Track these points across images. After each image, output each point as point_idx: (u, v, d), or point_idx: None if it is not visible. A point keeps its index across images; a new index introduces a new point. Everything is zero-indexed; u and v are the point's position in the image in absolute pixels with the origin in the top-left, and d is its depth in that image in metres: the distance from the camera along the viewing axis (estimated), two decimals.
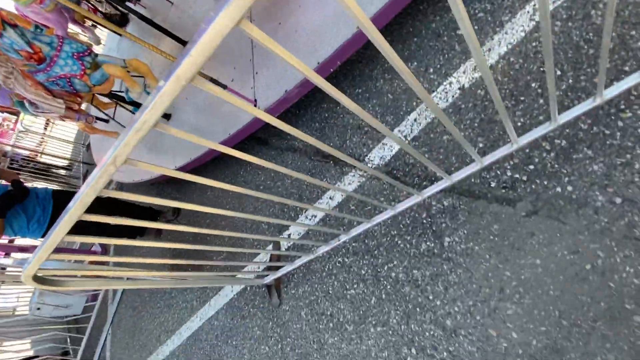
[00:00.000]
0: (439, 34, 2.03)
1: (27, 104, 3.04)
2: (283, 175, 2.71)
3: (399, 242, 1.84)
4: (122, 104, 3.61)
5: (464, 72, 1.86)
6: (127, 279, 1.53)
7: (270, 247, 2.54)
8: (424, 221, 1.78)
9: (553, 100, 1.15)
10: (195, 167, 3.20)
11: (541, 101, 1.56)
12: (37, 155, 6.92)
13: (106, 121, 4.62)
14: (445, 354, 1.53)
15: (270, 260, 2.46)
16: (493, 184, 1.60)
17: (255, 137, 3.15)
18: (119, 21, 5.02)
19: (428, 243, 1.73)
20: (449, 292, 1.60)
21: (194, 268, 2.83)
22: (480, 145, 1.69)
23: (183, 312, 3.19)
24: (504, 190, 1.56)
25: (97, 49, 4.42)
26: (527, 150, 1.54)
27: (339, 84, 2.57)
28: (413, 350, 1.63)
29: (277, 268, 2.24)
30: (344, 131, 2.38)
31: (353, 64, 2.43)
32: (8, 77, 2.66)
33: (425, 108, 1.95)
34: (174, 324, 3.24)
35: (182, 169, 3.17)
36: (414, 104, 2.02)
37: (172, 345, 3.14)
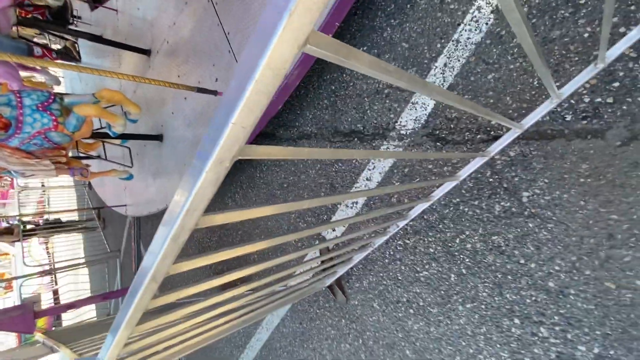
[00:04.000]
0: None
1: (13, 172, 2.80)
2: (306, 167, 2.47)
3: (466, 209, 1.62)
4: (108, 140, 3.32)
5: None
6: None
7: (317, 243, 2.37)
8: (491, 180, 1.54)
9: None
10: None
11: None
12: (43, 215, 6.81)
13: (97, 157, 4.36)
14: (556, 317, 1.38)
15: (320, 255, 2.31)
16: (568, 117, 1.33)
17: (260, 133, 2.87)
18: (67, 52, 4.51)
19: (502, 203, 1.51)
20: (543, 251, 1.41)
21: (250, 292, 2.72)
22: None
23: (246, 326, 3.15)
24: (585, 122, 1.29)
25: (58, 88, 4.03)
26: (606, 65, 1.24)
27: None
28: (516, 320, 1.48)
29: (332, 265, 2.08)
30: (360, 101, 2.08)
31: (348, 19, 2.05)
32: None
33: (455, 48, 1.62)
34: (242, 338, 3.22)
35: None
36: (439, 46, 1.69)
37: (247, 358, 3.15)
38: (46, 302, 6.86)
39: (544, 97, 1.38)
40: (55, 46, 5.04)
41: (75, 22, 4.48)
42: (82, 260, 6.90)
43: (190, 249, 4.07)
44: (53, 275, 6.94)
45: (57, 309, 4.58)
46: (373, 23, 1.96)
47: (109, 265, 7.20)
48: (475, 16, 1.55)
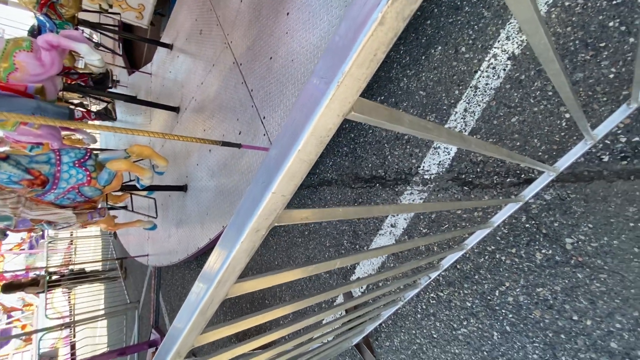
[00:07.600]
0: (456, 6, 1.73)
1: (45, 224, 2.90)
2: None
3: (503, 258, 1.50)
4: (135, 192, 3.45)
5: (507, 38, 1.54)
6: None
7: (340, 298, 2.24)
8: (527, 225, 1.44)
9: None
10: None
11: (631, 39, 1.22)
12: (69, 264, 6.96)
13: (124, 207, 4.50)
14: None
15: (346, 312, 2.16)
16: (606, 158, 1.26)
17: None
18: (106, 113, 4.91)
19: (544, 251, 1.39)
20: (599, 306, 1.25)
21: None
22: (567, 115, 1.36)
23: None
24: (625, 162, 1.22)
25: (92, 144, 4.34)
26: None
27: None
28: None
29: (359, 323, 1.93)
30: (380, 147, 2.09)
31: None
32: (16, 207, 2.52)
33: (474, 93, 1.64)
34: None
35: (217, 239, 2.94)
36: (457, 92, 1.71)
37: None
38: (63, 357, 6.69)
39: (575, 138, 1.34)
40: (95, 107, 5.53)
41: (113, 86, 4.93)
42: (102, 312, 6.82)
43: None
44: (72, 329, 6.86)
45: None
46: (389, 74, 2.04)
47: (127, 317, 7.07)
48: (492, 63, 1.58)
